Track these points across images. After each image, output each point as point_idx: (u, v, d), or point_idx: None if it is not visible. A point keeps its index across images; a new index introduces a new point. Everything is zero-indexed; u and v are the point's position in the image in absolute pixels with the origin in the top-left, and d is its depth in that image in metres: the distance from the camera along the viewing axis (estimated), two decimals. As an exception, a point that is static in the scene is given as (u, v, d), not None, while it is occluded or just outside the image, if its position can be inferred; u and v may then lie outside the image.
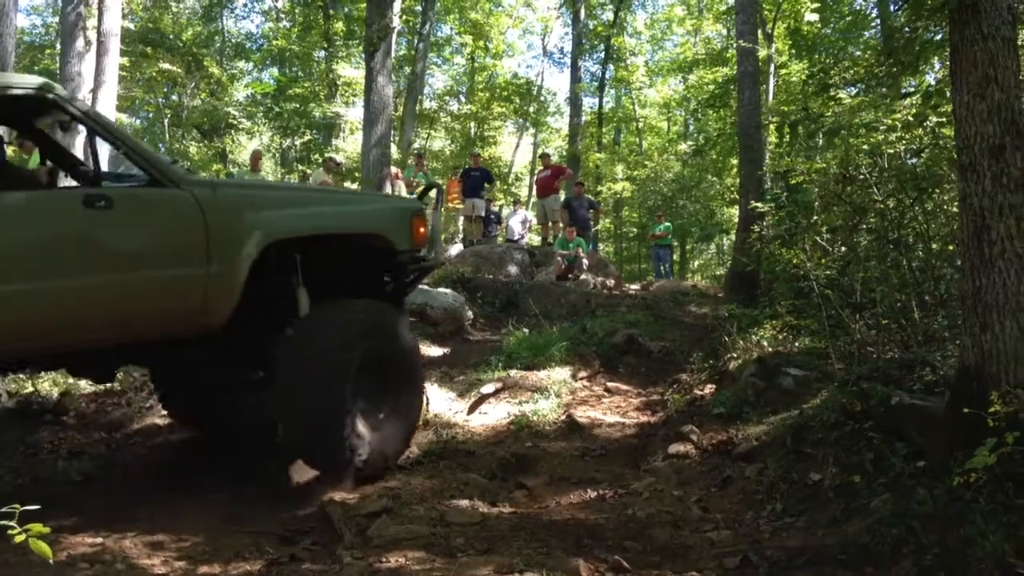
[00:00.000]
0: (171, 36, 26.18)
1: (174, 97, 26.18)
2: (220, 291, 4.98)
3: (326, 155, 18.91)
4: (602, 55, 31.73)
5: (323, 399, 5.12)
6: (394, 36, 13.33)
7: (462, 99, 33.47)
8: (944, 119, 6.53)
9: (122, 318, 4.78)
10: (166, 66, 22.19)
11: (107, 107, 11.32)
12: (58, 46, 14.51)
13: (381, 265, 6.08)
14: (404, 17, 21.47)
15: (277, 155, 28.16)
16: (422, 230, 6.18)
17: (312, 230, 5.46)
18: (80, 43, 12.27)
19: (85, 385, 7.63)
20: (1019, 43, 4.65)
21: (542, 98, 34.91)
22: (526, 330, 10.18)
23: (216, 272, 4.96)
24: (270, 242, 5.17)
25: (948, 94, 5.11)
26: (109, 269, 4.64)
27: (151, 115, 28.38)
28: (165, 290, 4.86)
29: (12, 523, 2.16)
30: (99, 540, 4.34)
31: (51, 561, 2.28)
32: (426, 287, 10.82)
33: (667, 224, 21.68)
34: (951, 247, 6.62)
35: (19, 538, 2.16)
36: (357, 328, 5.40)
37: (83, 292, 4.57)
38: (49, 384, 7.57)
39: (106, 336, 4.82)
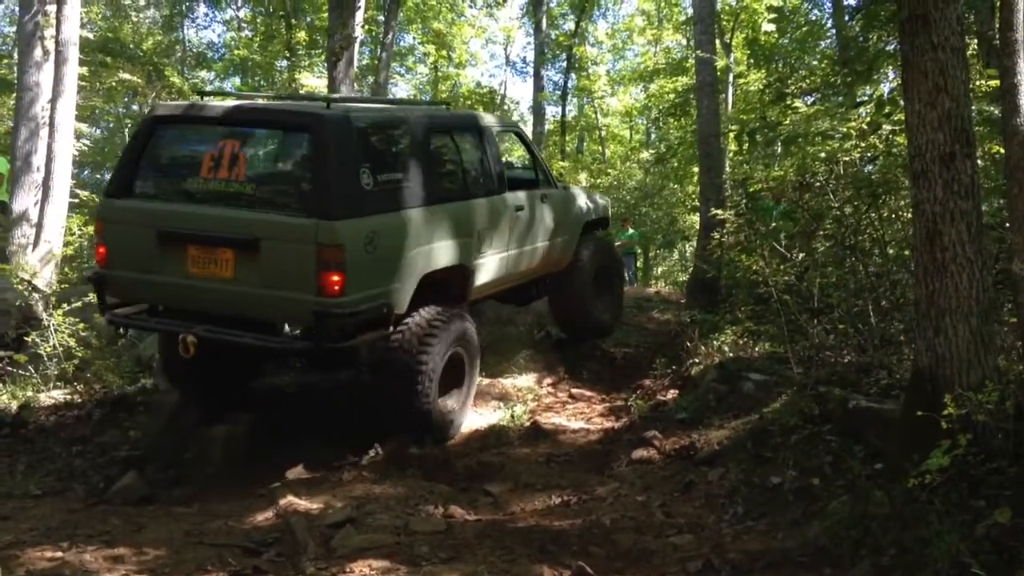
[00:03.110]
0: (131, 46, 25.84)
1: (134, 107, 25.79)
2: (571, 248, 8.75)
3: None
4: (564, 64, 31.80)
5: (592, 289, 9.06)
6: (357, 46, 13.21)
7: (426, 108, 33.29)
8: (897, 127, 6.65)
9: (545, 264, 8.35)
10: (126, 76, 21.89)
11: (66, 117, 11.01)
12: (15, 56, 14.17)
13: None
14: (367, 27, 21.39)
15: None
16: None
17: (599, 215, 9.45)
18: (38, 53, 12.01)
19: (44, 398, 7.54)
20: (968, 53, 4.76)
21: (505, 107, 34.95)
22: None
23: (570, 238, 8.70)
24: (587, 220, 9.07)
25: (901, 103, 5.21)
26: (547, 237, 8.18)
27: (111, 125, 28.01)
28: (561, 248, 8.56)
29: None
30: (58, 554, 4.29)
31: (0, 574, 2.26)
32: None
33: (632, 231, 21.74)
34: (906, 252, 6.73)
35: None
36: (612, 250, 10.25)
37: (536, 251, 8.05)
38: (7, 397, 7.46)
39: (536, 276, 8.46)
